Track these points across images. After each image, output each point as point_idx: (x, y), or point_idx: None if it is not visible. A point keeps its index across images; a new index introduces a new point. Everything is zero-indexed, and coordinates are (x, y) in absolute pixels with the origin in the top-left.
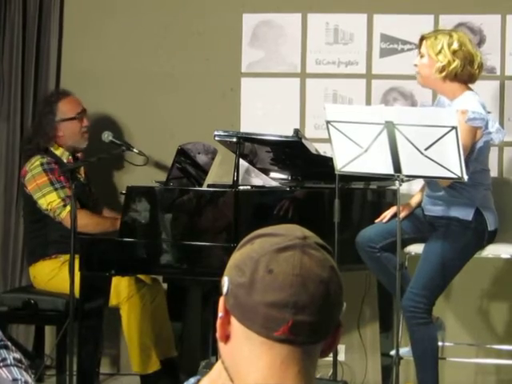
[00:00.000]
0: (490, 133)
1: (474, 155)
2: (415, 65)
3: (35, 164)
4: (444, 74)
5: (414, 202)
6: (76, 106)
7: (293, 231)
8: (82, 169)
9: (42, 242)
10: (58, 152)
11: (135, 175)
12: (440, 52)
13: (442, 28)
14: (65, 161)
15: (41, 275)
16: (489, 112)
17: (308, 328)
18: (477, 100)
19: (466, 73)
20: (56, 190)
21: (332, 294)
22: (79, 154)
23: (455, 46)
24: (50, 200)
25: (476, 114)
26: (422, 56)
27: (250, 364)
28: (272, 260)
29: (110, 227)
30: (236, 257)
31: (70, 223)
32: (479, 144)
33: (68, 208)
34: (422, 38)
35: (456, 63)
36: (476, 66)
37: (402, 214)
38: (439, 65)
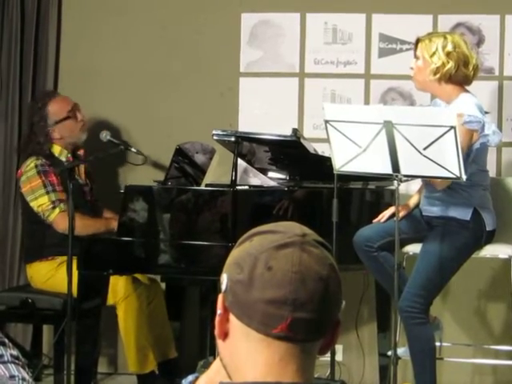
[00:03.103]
0: (486, 135)
1: (472, 157)
2: (411, 68)
3: (30, 166)
4: (438, 75)
5: (411, 202)
6: (65, 104)
7: (292, 228)
8: (82, 169)
9: (39, 243)
10: (57, 151)
11: (133, 174)
12: (434, 54)
13: (439, 30)
14: (63, 159)
15: (37, 276)
16: (487, 112)
17: (306, 325)
18: (473, 102)
19: (460, 74)
20: (48, 193)
21: (331, 292)
22: (81, 152)
23: (449, 47)
24: (40, 203)
25: (472, 116)
26: (417, 59)
27: (248, 361)
28: (271, 257)
29: (100, 228)
30: (235, 254)
31: (59, 225)
32: (476, 146)
33: (56, 211)
34: (418, 41)
35: (450, 65)
36: (471, 68)
37: (400, 215)
38: (433, 66)
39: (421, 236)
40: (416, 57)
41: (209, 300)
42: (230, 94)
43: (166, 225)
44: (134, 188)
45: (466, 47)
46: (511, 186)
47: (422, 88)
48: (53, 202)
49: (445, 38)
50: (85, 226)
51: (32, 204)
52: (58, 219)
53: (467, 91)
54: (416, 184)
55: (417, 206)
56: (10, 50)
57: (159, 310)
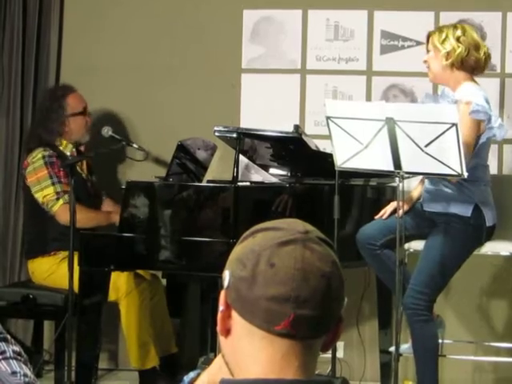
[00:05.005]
0: (492, 128)
1: (475, 150)
2: (424, 61)
3: (37, 157)
4: (450, 60)
5: (414, 195)
6: (82, 101)
7: (295, 225)
8: (84, 163)
9: (41, 238)
10: (62, 145)
11: (135, 170)
12: (444, 40)
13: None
14: (68, 153)
15: (39, 271)
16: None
17: (309, 322)
18: (481, 94)
19: (472, 59)
20: (53, 184)
21: (333, 289)
22: (82, 148)
23: (459, 33)
24: (46, 193)
25: (480, 106)
26: (428, 51)
27: (250, 358)
28: (274, 254)
29: (103, 221)
30: (238, 250)
31: (61, 217)
32: (481, 139)
33: (60, 202)
34: (429, 36)
35: (460, 49)
36: (482, 53)
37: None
38: (444, 52)
39: (423, 232)
40: (427, 50)
41: (210, 296)
42: (232, 90)
43: (168, 221)
44: (135, 184)
45: (476, 34)
46: None
47: (435, 79)
48: (57, 193)
49: (455, 27)
50: (87, 218)
51: (37, 195)
52: (61, 211)
53: (475, 82)
54: (417, 181)
55: (419, 198)
56: (12, 46)
57: (161, 306)
